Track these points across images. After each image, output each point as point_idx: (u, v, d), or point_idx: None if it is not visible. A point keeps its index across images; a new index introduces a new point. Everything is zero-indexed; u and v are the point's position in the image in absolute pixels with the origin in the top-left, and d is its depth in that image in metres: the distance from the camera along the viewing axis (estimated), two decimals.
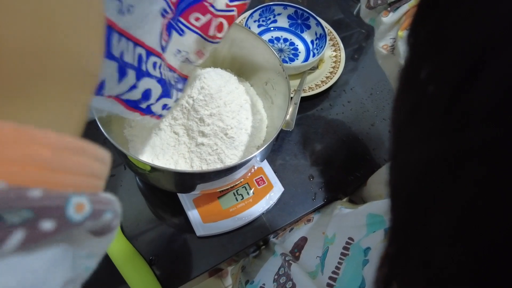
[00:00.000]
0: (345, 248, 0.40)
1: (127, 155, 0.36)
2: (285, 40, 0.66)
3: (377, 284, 0.15)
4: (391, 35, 0.41)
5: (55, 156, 0.11)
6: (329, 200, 0.53)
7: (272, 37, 0.66)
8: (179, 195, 0.48)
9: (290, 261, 0.44)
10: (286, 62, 0.62)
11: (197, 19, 0.31)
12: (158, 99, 0.31)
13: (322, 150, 0.57)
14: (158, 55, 0.29)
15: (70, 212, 0.11)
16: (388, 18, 0.39)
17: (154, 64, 0.29)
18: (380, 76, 0.68)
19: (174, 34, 0.31)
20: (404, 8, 0.38)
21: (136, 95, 0.29)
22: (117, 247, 0.44)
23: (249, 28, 0.62)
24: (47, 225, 0.11)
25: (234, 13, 0.34)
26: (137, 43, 0.26)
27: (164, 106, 0.34)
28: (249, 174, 0.51)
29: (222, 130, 0.46)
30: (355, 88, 0.65)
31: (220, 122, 0.46)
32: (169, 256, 0.46)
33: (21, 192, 0.10)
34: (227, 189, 0.50)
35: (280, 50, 0.64)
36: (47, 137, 0.11)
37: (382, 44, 0.42)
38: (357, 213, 0.40)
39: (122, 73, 0.25)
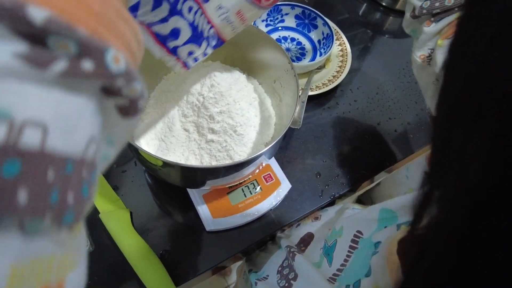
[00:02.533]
0: (353, 241, 0.41)
1: (139, 150, 0.37)
2: (292, 39, 0.67)
3: (417, 205, 0.16)
4: (430, 45, 0.41)
5: (104, 9, 0.12)
6: (335, 197, 0.53)
7: (279, 36, 0.67)
8: (189, 191, 0.49)
9: (295, 252, 0.45)
10: (294, 62, 0.63)
11: None
12: (185, 43, 0.32)
13: (328, 148, 0.58)
14: (197, 2, 0.30)
15: (108, 58, 0.12)
16: (430, 28, 0.39)
17: (190, 8, 0.30)
18: (386, 76, 0.69)
19: None
20: (449, 19, 0.38)
21: (165, 29, 0.30)
22: (129, 242, 0.45)
23: (257, 27, 0.63)
24: (87, 64, 0.11)
25: None
26: None
27: (191, 53, 0.34)
28: (257, 170, 0.52)
29: (232, 127, 0.47)
30: (361, 87, 0.66)
31: (230, 119, 0.47)
32: (179, 250, 0.46)
33: (71, 25, 0.11)
34: (236, 185, 0.50)
35: (287, 50, 0.65)
36: None
37: (419, 54, 0.42)
38: (370, 209, 0.41)
39: (157, 2, 0.27)
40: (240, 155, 0.48)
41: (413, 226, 0.17)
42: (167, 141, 0.47)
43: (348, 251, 0.40)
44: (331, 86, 0.60)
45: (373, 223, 0.39)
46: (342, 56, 0.65)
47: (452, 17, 0.38)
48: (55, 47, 0.11)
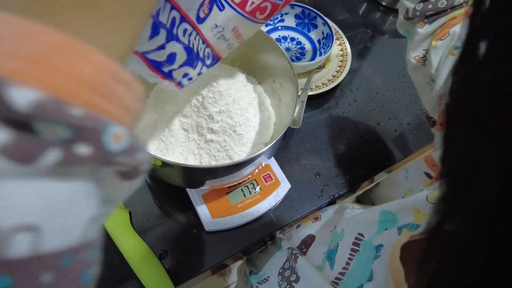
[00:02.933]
0: (355, 244, 0.40)
1: None
2: (292, 39, 0.66)
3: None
4: (424, 46, 0.42)
5: (98, 76, 0.11)
6: (335, 197, 0.53)
7: (279, 36, 0.66)
8: (188, 191, 0.49)
9: (297, 254, 0.45)
10: (293, 61, 0.63)
11: None
12: (181, 66, 0.32)
13: (328, 148, 0.58)
14: (191, 24, 0.30)
15: (107, 139, 0.11)
16: (424, 29, 0.40)
17: (185, 31, 0.30)
18: (386, 76, 0.69)
19: (215, 8, 0.32)
20: (441, 20, 0.38)
21: (162, 56, 0.30)
22: (129, 242, 0.44)
23: None
24: (84, 149, 0.10)
25: (282, 2, 0.34)
26: (174, 5, 0.27)
27: (186, 75, 0.34)
28: (257, 170, 0.51)
29: (231, 127, 0.47)
30: (361, 87, 0.66)
31: (229, 119, 0.47)
32: (178, 250, 0.46)
33: (62, 106, 0.10)
34: (235, 185, 0.50)
35: (287, 49, 0.65)
36: (94, 55, 0.11)
37: (414, 55, 0.43)
38: (370, 211, 0.41)
39: (154, 31, 0.26)
40: (240, 155, 0.48)
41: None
42: (166, 141, 0.47)
43: (350, 254, 0.40)
44: (331, 86, 0.60)
45: (373, 226, 0.39)
46: (342, 56, 0.65)
47: (445, 19, 0.38)
48: (45, 133, 0.10)
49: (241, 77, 0.51)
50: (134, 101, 0.13)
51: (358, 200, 0.62)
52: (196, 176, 0.43)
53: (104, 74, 0.11)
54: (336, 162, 0.56)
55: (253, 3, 0.32)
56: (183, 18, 0.28)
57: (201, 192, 0.49)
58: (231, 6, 0.31)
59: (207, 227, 0.47)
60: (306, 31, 0.67)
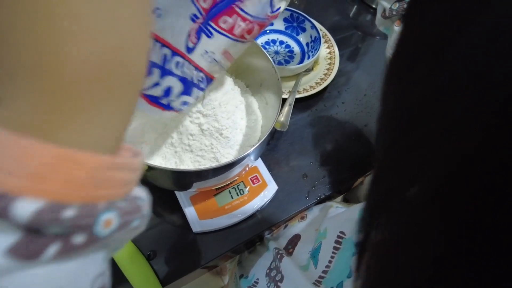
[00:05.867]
0: (337, 242, 0.41)
1: None
2: (281, 42, 0.67)
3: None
4: None
5: (89, 176, 0.12)
6: (322, 198, 0.54)
7: (268, 39, 0.67)
8: (177, 193, 0.50)
9: (282, 254, 0.46)
10: (282, 64, 0.64)
11: (224, 21, 0.33)
12: (178, 96, 0.33)
13: (316, 149, 0.59)
14: (182, 56, 0.31)
15: (98, 228, 0.13)
16: (400, 27, 0.41)
17: (177, 64, 0.31)
18: (374, 78, 0.70)
19: (203, 36, 0.33)
20: None
21: (158, 91, 0.31)
22: None
23: None
24: (78, 239, 0.12)
25: (267, 21, 0.35)
26: (164, 43, 0.28)
27: (185, 103, 0.36)
28: (244, 172, 0.52)
29: (217, 130, 0.48)
30: (349, 89, 0.67)
31: (216, 122, 0.48)
32: (167, 251, 0.47)
33: (57, 211, 0.12)
34: (223, 187, 0.51)
35: (276, 53, 0.66)
36: (84, 159, 0.12)
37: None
38: (352, 209, 0.42)
39: (148, 72, 0.27)
40: (227, 158, 0.49)
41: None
42: (154, 144, 0.48)
43: (332, 252, 0.41)
44: (319, 89, 0.61)
45: (354, 223, 0.40)
46: (330, 58, 0.66)
47: None
48: (46, 230, 0.11)
49: (228, 81, 0.52)
50: (129, 173, 0.14)
51: (346, 199, 0.63)
52: (183, 179, 0.44)
53: (97, 170, 0.13)
54: (323, 163, 0.57)
55: (240, 26, 0.33)
56: (174, 53, 0.29)
57: (189, 194, 0.50)
58: (219, 33, 0.32)
59: (195, 229, 0.48)
60: (294, 34, 0.68)
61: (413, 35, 0.16)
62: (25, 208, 0.11)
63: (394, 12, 0.41)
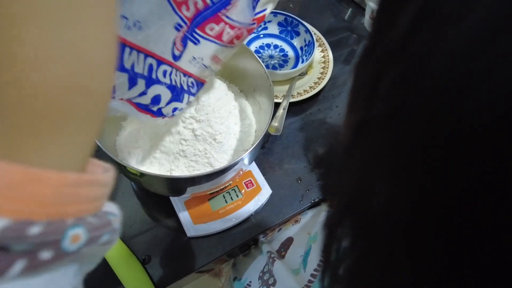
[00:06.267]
0: None
1: (117, 161, 0.39)
2: (276, 46, 0.68)
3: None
4: None
5: (56, 193, 0.13)
6: (315, 202, 0.55)
7: (263, 43, 0.68)
8: (171, 197, 0.51)
9: (275, 258, 0.47)
10: (276, 69, 0.65)
11: (211, 29, 0.33)
12: (168, 103, 0.34)
13: (310, 153, 0.59)
14: (169, 64, 0.31)
15: (65, 244, 0.13)
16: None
17: (164, 72, 0.31)
18: None
19: (189, 44, 0.33)
20: None
21: (146, 100, 0.31)
22: (112, 248, 0.46)
23: None
24: (45, 255, 0.12)
25: (255, 25, 0.36)
26: (148, 54, 0.28)
27: (175, 109, 0.36)
28: (238, 177, 0.53)
29: (211, 136, 0.48)
30: (343, 93, 0.67)
31: (209, 127, 0.48)
32: (161, 255, 0.48)
33: (23, 229, 0.12)
34: (217, 191, 0.52)
35: (271, 57, 0.67)
36: (49, 177, 0.13)
37: None
38: None
39: (132, 83, 0.28)
40: (221, 162, 0.49)
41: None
42: (148, 150, 0.48)
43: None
44: (312, 93, 0.62)
45: None
46: (324, 62, 0.66)
47: None
48: (12, 247, 0.12)
49: (222, 86, 0.52)
50: (97, 189, 0.15)
51: None
52: (177, 185, 0.45)
53: (63, 187, 0.13)
54: (317, 166, 0.58)
55: (228, 33, 0.34)
56: (160, 62, 0.29)
57: (184, 198, 0.50)
58: (206, 39, 0.33)
59: (189, 233, 0.48)
60: (289, 38, 0.68)
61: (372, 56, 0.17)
62: None
63: None
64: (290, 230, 0.54)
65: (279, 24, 0.68)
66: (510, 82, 0.10)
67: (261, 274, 0.49)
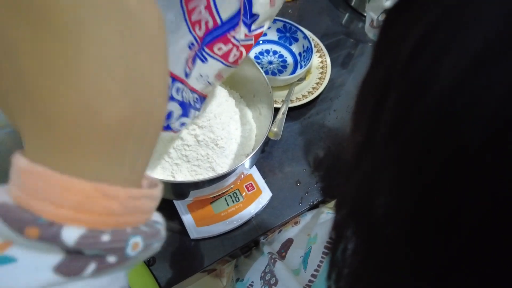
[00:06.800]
0: (326, 247, 0.44)
1: None
2: (275, 52, 0.70)
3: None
4: None
5: (121, 206, 0.15)
6: (314, 204, 0.56)
7: (262, 49, 0.70)
8: (174, 201, 0.52)
9: (276, 259, 0.48)
10: (275, 74, 0.66)
11: (219, 48, 0.35)
12: (177, 119, 0.35)
13: (308, 156, 0.61)
14: (182, 81, 0.33)
15: (128, 251, 0.15)
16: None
17: (178, 90, 0.32)
18: None
19: (198, 61, 0.34)
20: None
21: None
22: None
23: None
24: (112, 259, 0.15)
25: (252, 42, 0.37)
26: None
27: (182, 124, 0.38)
28: (239, 180, 0.55)
29: (213, 141, 0.50)
30: (341, 96, 0.69)
31: (211, 133, 0.50)
32: (166, 257, 0.50)
33: (95, 237, 0.14)
34: (219, 195, 0.53)
35: (270, 62, 0.68)
36: (117, 192, 0.15)
37: None
38: None
39: None
40: (222, 167, 0.51)
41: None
42: (153, 155, 0.50)
43: (322, 257, 0.43)
44: (311, 98, 0.63)
45: None
46: (322, 68, 0.68)
47: None
48: (87, 253, 0.14)
49: (223, 92, 0.54)
50: (150, 202, 0.17)
51: None
52: (180, 189, 0.47)
53: (127, 200, 0.15)
54: (315, 169, 0.60)
55: (235, 55, 0.36)
56: (174, 79, 0.31)
57: (186, 202, 0.52)
58: (214, 58, 0.34)
59: (192, 235, 0.50)
60: (287, 44, 0.70)
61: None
62: (71, 234, 0.14)
63: (381, 23, 0.43)
64: (290, 232, 0.55)
65: (278, 30, 0.70)
66: (499, 108, 0.12)
67: (262, 274, 0.51)
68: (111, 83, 0.14)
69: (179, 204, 0.52)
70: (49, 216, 0.14)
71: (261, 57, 0.69)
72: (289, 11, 0.84)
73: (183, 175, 0.50)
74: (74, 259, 0.14)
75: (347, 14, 0.87)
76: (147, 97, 0.15)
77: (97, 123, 0.14)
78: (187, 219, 0.51)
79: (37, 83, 0.13)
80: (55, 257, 0.14)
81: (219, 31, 0.31)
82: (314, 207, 0.57)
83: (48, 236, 0.13)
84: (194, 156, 0.50)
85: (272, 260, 0.50)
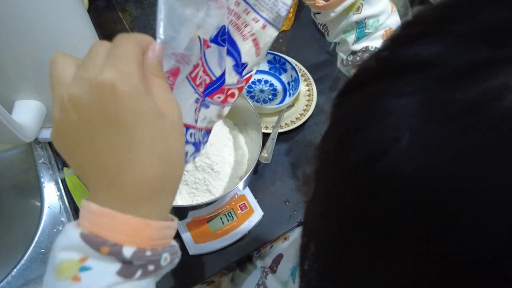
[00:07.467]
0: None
1: None
2: (266, 81, 0.76)
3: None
4: None
5: (157, 233, 0.23)
6: (302, 221, 0.62)
7: (254, 79, 0.76)
8: None
9: (267, 272, 0.54)
10: (266, 102, 0.73)
11: (219, 97, 0.42)
12: (191, 156, 0.42)
13: (296, 177, 0.67)
14: (193, 127, 0.40)
15: (161, 262, 0.23)
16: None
17: (191, 134, 0.39)
18: None
19: (202, 108, 0.42)
20: None
21: None
22: None
23: None
24: (151, 267, 0.23)
25: (243, 84, 0.44)
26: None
27: (194, 157, 0.45)
28: (233, 201, 0.60)
29: (209, 166, 0.56)
30: (326, 121, 0.75)
31: (207, 159, 0.56)
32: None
33: (142, 253, 0.22)
34: (215, 214, 0.59)
35: (261, 91, 0.75)
36: (154, 224, 0.23)
37: None
38: None
39: None
40: (218, 189, 0.57)
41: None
42: None
43: None
44: (299, 123, 0.70)
45: None
46: (309, 95, 0.75)
47: None
48: (136, 263, 0.22)
49: (218, 122, 0.60)
50: (170, 231, 0.25)
51: None
52: (180, 211, 0.52)
53: (160, 230, 0.24)
54: (302, 190, 0.65)
55: (229, 101, 0.43)
56: (188, 128, 0.37)
57: (185, 221, 0.58)
58: (215, 104, 0.41)
59: (191, 252, 0.55)
60: (277, 74, 0.77)
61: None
62: (128, 251, 0.21)
63: (350, 62, 0.49)
64: (280, 247, 0.61)
65: (269, 61, 0.77)
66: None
67: (256, 287, 0.56)
68: (153, 159, 0.22)
69: (178, 224, 0.58)
70: (113, 239, 0.21)
71: (253, 86, 0.76)
72: (280, 40, 0.92)
73: (183, 197, 0.56)
74: (128, 267, 0.22)
75: (332, 43, 0.94)
76: (173, 161, 0.23)
77: (145, 183, 0.22)
78: (186, 237, 0.56)
79: (110, 160, 0.22)
80: (116, 266, 0.22)
81: (216, 84, 0.38)
82: (301, 223, 0.63)
83: (115, 252, 0.21)
84: (192, 180, 0.56)
85: (264, 273, 0.55)
